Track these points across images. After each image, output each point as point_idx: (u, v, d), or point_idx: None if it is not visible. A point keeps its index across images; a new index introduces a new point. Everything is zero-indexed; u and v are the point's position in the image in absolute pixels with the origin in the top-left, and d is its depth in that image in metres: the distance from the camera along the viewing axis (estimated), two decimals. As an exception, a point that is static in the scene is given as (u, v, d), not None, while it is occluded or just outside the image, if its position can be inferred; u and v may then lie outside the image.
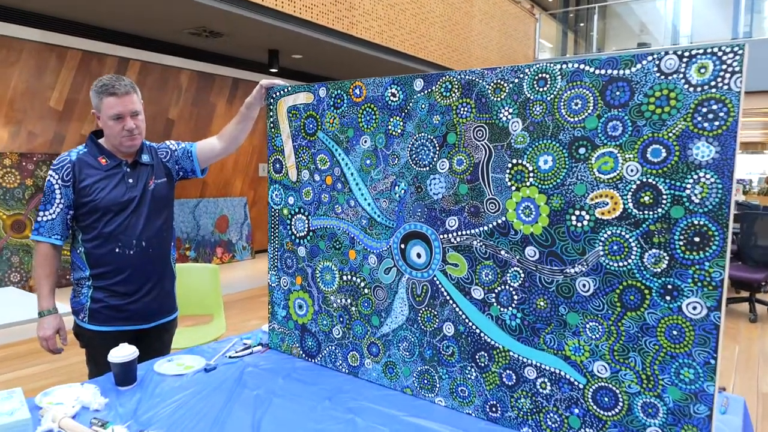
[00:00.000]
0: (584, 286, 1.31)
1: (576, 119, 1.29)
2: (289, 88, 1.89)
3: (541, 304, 1.38)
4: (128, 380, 1.66)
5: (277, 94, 1.92)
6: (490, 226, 1.45)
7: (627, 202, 1.23)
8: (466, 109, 1.46)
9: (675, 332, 1.19)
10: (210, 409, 1.53)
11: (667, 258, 1.19)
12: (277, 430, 1.42)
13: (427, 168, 1.55)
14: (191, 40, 6.71)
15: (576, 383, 1.34)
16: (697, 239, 1.15)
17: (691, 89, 1.14)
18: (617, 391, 1.28)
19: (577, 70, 1.28)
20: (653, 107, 1.18)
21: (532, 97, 1.35)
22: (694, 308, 1.17)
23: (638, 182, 1.21)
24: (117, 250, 1.92)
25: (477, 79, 1.43)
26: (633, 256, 1.23)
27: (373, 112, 1.66)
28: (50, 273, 1.91)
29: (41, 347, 1.93)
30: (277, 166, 1.95)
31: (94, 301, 1.94)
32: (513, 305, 1.43)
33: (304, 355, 1.94)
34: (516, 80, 1.37)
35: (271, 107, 1.94)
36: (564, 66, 1.29)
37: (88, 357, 1.99)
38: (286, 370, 1.83)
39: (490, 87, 1.41)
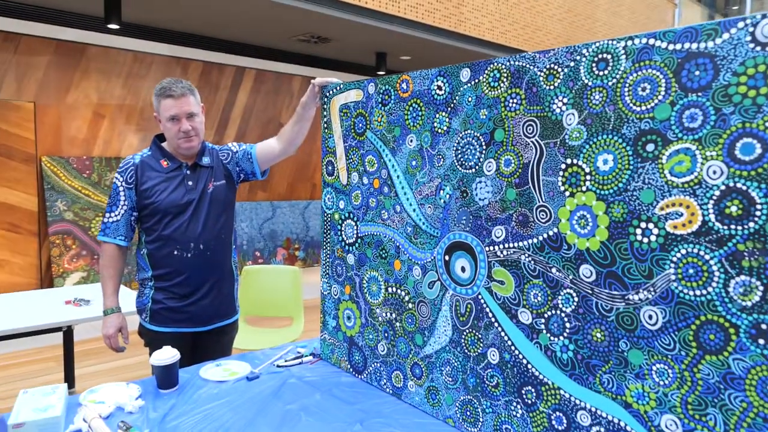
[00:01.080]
0: (650, 317, 1.04)
1: (643, 108, 1.03)
2: (341, 86, 1.78)
3: (598, 335, 1.12)
4: (169, 383, 1.65)
5: (331, 92, 1.82)
6: (540, 238, 1.22)
7: (707, 213, 0.95)
8: (515, 100, 1.25)
9: (771, 388, 0.89)
10: (236, 421, 1.46)
11: (761, 288, 0.90)
12: (293, 452, 1.31)
13: (473, 170, 1.35)
14: (301, 47, 6.93)
15: (639, 438, 1.07)
16: (804, 265, 0.85)
17: (798, 62, 0.85)
18: (691, 456, 1.00)
19: (645, 47, 1.02)
20: (745, 89, 0.90)
21: (590, 84, 1.11)
22: (799, 358, 0.86)
23: (723, 187, 0.93)
24: (176, 252, 1.93)
25: (528, 65, 1.22)
26: (714, 284, 0.95)
27: (419, 108, 1.49)
28: (115, 273, 1.98)
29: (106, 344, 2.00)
30: (330, 168, 1.85)
31: (154, 302, 1.97)
32: (565, 334, 1.18)
33: (351, 370, 1.82)
34: (572, 63, 1.13)
35: (325, 106, 1.85)
36: (629, 42, 1.04)
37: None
38: (329, 385, 1.72)
39: (542, 73, 1.19)
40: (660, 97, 1.00)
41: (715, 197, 0.94)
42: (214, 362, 1.88)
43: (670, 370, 1.02)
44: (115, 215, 1.95)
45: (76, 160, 5.61)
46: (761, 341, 0.90)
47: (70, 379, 2.81)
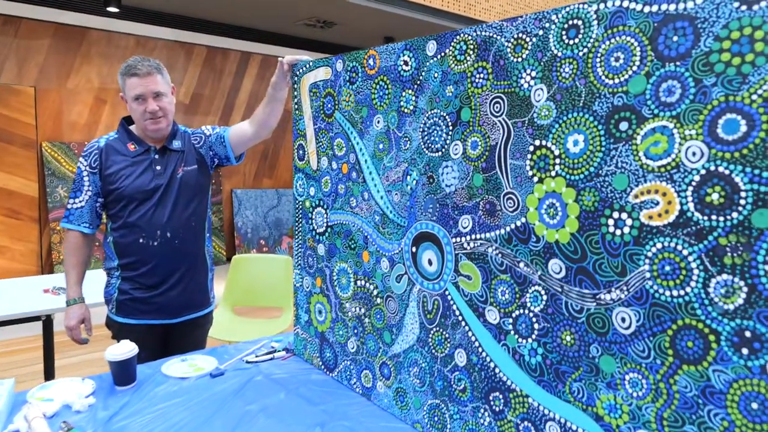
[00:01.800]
0: (623, 320, 0.91)
1: (616, 81, 0.89)
2: (311, 63, 1.66)
3: (568, 339, 1.00)
4: (126, 380, 1.57)
5: (301, 70, 1.70)
6: (508, 229, 1.09)
7: (686, 201, 0.82)
8: (482, 75, 1.12)
9: (755, 405, 0.77)
10: (189, 422, 1.37)
11: (745, 289, 0.77)
12: (242, 459, 1.22)
13: (439, 153, 1.23)
14: (307, 32, 6.79)
15: (610, 455, 0.95)
16: (795, 263, 0.72)
17: (792, 22, 0.71)
18: (666, 478, 0.88)
19: (619, 10, 0.88)
20: (728, 56, 0.76)
21: (560, 54, 0.97)
22: (788, 373, 0.74)
23: (703, 171, 0.80)
24: (141, 240, 1.84)
25: (495, 35, 1.09)
26: (693, 283, 0.82)
27: (386, 86, 1.37)
28: (78, 262, 1.90)
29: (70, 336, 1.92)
30: (300, 152, 1.74)
31: (120, 292, 1.89)
32: (533, 336, 1.07)
33: (323, 367, 1.72)
34: (540, 32, 1.00)
35: (296, 86, 1.73)
36: (602, 6, 0.91)
37: None
38: (296, 383, 1.62)
39: (510, 44, 1.06)
40: (634, 68, 0.87)
41: (694, 183, 0.81)
42: (180, 357, 1.79)
43: (644, 380, 0.90)
44: (79, 201, 1.87)
45: (78, 146, 5.56)
46: (744, 351, 0.77)
47: (49, 370, 2.76)
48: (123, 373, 1.55)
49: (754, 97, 0.74)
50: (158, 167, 1.87)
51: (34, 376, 3.35)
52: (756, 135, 0.74)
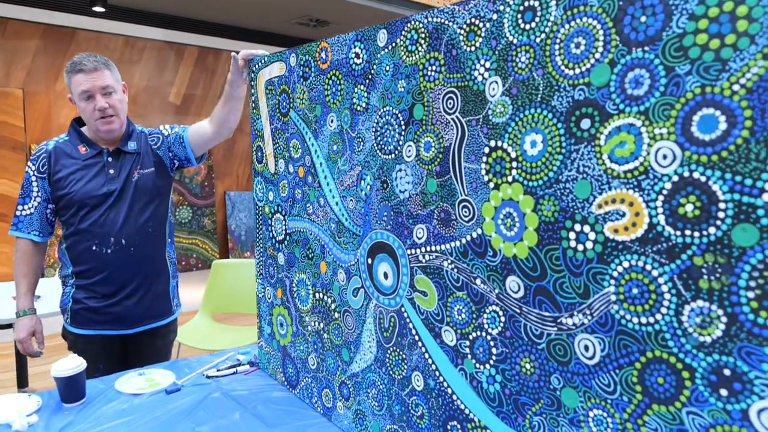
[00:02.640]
0: (587, 348, 0.79)
1: (577, 72, 0.77)
2: (266, 59, 1.54)
3: (527, 366, 0.88)
4: (74, 397, 1.46)
5: (257, 66, 1.58)
6: (464, 240, 0.97)
7: (655, 213, 0.69)
8: (434, 67, 0.99)
9: (736, 458, 0.64)
10: (127, 449, 1.25)
11: (724, 319, 0.64)
12: (175, 496, 1.10)
13: (393, 156, 1.11)
14: (300, 31, 6.67)
15: (574, 503, 0.83)
16: (782, 290, 0.59)
17: (778, -5, 0.58)
18: None
19: (579, -12, 0.75)
20: (705, 38, 0.63)
21: (515, 41, 0.84)
22: (775, 422, 0.61)
23: (676, 178, 0.67)
24: (94, 248, 1.73)
25: (447, 22, 0.96)
26: (665, 309, 0.69)
27: (338, 82, 1.24)
28: (29, 272, 1.78)
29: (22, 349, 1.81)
30: (259, 154, 1.61)
31: (75, 301, 1.78)
32: (491, 362, 0.94)
33: (286, 383, 1.60)
34: (495, 16, 0.87)
35: (252, 83, 1.61)
36: (560, -16, 0.78)
37: None
38: (256, 401, 1.50)
39: (463, 31, 0.93)
40: (597, 56, 0.74)
41: (665, 192, 0.68)
42: (137, 371, 1.68)
43: (610, 418, 0.77)
44: (28, 208, 1.75)
45: (63, 148, 5.47)
46: (723, 392, 0.64)
47: (22, 377, 2.66)
48: (70, 389, 1.44)
49: (736, 87, 0.61)
50: (111, 171, 1.75)
51: (7, 384, 3.25)
52: (738, 134, 0.61)
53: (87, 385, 1.51)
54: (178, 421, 1.38)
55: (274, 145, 1.52)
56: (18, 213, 1.76)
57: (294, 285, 1.50)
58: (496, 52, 0.87)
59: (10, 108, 5.27)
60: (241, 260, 3.12)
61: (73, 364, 1.46)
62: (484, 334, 0.95)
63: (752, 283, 0.61)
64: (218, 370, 1.70)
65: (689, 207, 0.66)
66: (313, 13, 5.79)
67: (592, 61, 0.75)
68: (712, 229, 0.64)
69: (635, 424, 0.74)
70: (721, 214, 0.63)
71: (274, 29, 6.63)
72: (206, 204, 6.62)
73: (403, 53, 1.05)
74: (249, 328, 3.05)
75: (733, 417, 0.64)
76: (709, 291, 0.65)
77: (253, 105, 1.61)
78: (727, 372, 0.64)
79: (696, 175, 0.65)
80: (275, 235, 1.56)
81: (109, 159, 1.76)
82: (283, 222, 1.52)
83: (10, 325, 2.49)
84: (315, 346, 1.44)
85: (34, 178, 1.74)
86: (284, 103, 1.45)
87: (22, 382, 2.69)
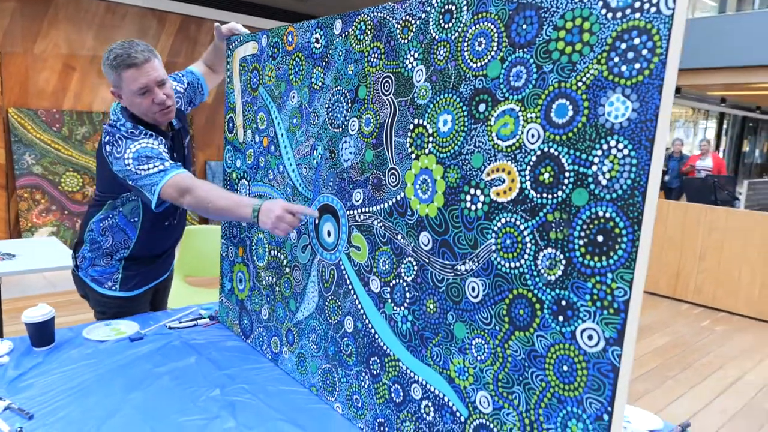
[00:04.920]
0: (473, 289, 0.98)
1: (479, 65, 0.95)
2: (241, 38, 1.70)
3: (431, 307, 1.07)
4: (43, 341, 1.60)
5: (233, 44, 1.74)
6: (390, 203, 1.15)
7: (525, 179, 0.88)
8: (376, 55, 1.17)
9: (566, 367, 0.84)
10: (93, 382, 1.42)
11: (563, 262, 0.83)
12: (134, 415, 1.27)
13: (340, 129, 1.28)
14: (286, 3, 6.74)
15: (458, 414, 1.02)
16: (600, 238, 0.79)
17: (610, 15, 0.77)
18: (498, 436, 0.95)
19: (483, -2, 0.94)
20: (563, 44, 0.82)
21: (437, 37, 1.03)
22: (590, 338, 0.81)
23: (539, 152, 0.86)
24: (167, 223, 1.83)
25: (388, 17, 1.14)
26: (527, 256, 0.89)
27: (300, 63, 1.42)
28: (221, 189, 1.58)
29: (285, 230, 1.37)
30: (230, 125, 1.78)
31: (126, 269, 1.83)
32: (405, 304, 1.13)
33: (241, 334, 1.77)
34: (423, 15, 1.05)
35: (228, 59, 1.77)
36: (471, -7, 0.96)
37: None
38: (210, 349, 1.67)
39: (399, 26, 1.11)
40: (493, 53, 0.93)
41: (531, 163, 0.87)
42: (104, 322, 1.83)
43: (486, 345, 0.96)
44: (164, 156, 1.59)
45: (45, 113, 5.52)
46: (560, 318, 0.84)
47: (-3, 331, 2.78)
48: (39, 334, 1.59)
49: (580, 84, 0.80)
50: (175, 154, 1.78)
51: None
52: (579, 119, 0.81)
53: (57, 334, 1.65)
54: (137, 364, 1.54)
55: (243, 117, 1.69)
56: (163, 165, 1.55)
57: (253, 244, 1.67)
58: (423, 45, 1.06)
59: (-12, 70, 5.30)
60: (211, 226, 3.27)
61: (44, 311, 1.60)
62: (401, 281, 1.13)
63: (582, 234, 0.80)
64: (180, 323, 1.86)
65: (546, 175, 0.85)
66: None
67: (489, 57, 0.93)
68: (560, 193, 0.83)
69: (503, 348, 0.93)
70: (566, 181, 0.82)
71: (261, 0, 6.69)
72: (185, 179, 6.71)
73: (353, 41, 1.23)
74: (216, 291, 3.22)
75: (565, 337, 0.84)
76: (555, 240, 0.84)
77: (228, 80, 1.77)
78: (563, 303, 0.84)
79: (552, 150, 0.84)
80: (240, 199, 1.73)
81: (171, 143, 1.74)
82: (248, 187, 1.69)
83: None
84: (268, 299, 1.62)
85: (152, 145, 1.58)
86: (255, 80, 1.62)
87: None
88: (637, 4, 0.73)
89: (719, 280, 4.92)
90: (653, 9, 0.72)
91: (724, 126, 17.07)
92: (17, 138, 5.38)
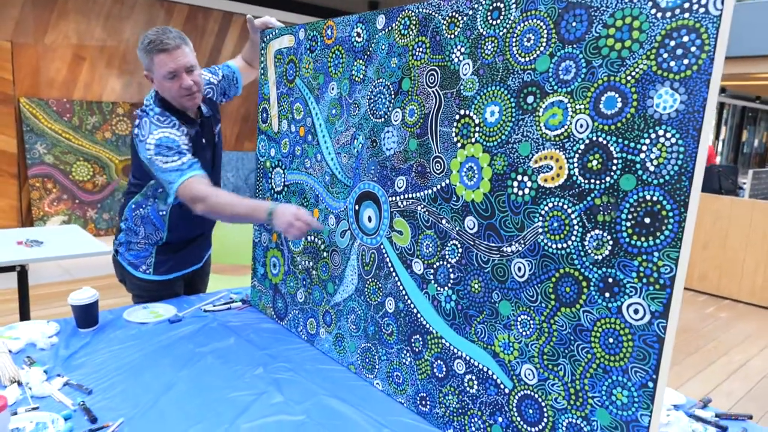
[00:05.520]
0: (519, 269, 1.05)
1: (527, 59, 1.02)
2: (276, 31, 1.76)
3: (476, 286, 1.14)
4: (88, 323, 1.67)
5: (267, 37, 1.80)
6: (434, 189, 1.22)
7: (573, 166, 0.95)
8: (421, 49, 1.23)
9: (611, 340, 0.91)
10: (142, 360, 1.49)
11: (611, 242, 0.90)
12: (187, 390, 1.34)
13: (383, 119, 1.35)
14: None
15: (502, 386, 1.10)
16: (647, 220, 0.86)
17: (660, 15, 0.83)
18: (543, 404, 1.02)
19: (532, -4, 1.00)
20: (612, 41, 0.89)
21: (485, 33, 1.09)
22: (636, 312, 0.88)
23: (587, 141, 0.93)
24: (193, 213, 1.81)
25: (433, 13, 1.20)
26: (574, 237, 0.96)
27: (340, 56, 1.48)
28: (232, 194, 1.67)
29: (295, 235, 1.51)
30: (264, 115, 1.84)
31: (159, 253, 1.91)
32: (449, 285, 1.20)
33: (275, 316, 1.84)
34: (470, 12, 1.12)
35: (262, 52, 1.83)
36: (520, -9, 1.02)
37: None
38: (248, 330, 1.75)
39: (445, 21, 1.17)
40: (542, 48, 0.99)
41: (580, 151, 0.94)
42: (142, 305, 1.90)
43: (531, 321, 1.03)
44: (186, 152, 1.67)
45: (56, 103, 5.56)
46: (607, 294, 0.91)
47: (25, 319, 2.85)
48: (85, 316, 1.66)
49: (629, 78, 0.87)
50: (204, 140, 1.84)
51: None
52: (628, 111, 0.87)
53: (98, 316, 1.72)
54: (181, 344, 1.61)
55: (279, 108, 1.75)
56: (182, 160, 1.63)
57: (288, 230, 1.74)
58: (470, 40, 1.12)
59: (-1, 60, 5.33)
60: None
61: (89, 294, 1.67)
62: (445, 263, 1.21)
63: (629, 216, 0.87)
64: (214, 306, 1.94)
65: (594, 162, 0.92)
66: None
67: (538, 52, 1.00)
68: (607, 178, 0.90)
69: (549, 323, 1.01)
70: (614, 168, 0.89)
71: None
72: (193, 169, 6.76)
73: (397, 36, 1.29)
74: (240, 278, 3.29)
75: (611, 312, 0.91)
76: (603, 223, 0.91)
77: (262, 71, 1.83)
78: (610, 280, 0.91)
79: (600, 139, 0.91)
80: (274, 187, 1.80)
81: (199, 129, 1.80)
82: (282, 175, 1.75)
83: (11, 269, 2.65)
84: (304, 282, 1.69)
85: (174, 136, 1.66)
86: (291, 71, 1.68)
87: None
88: (687, 5, 0.80)
89: (723, 268, 5.01)
90: (702, 9, 0.78)
91: (724, 115, 17.16)
92: (29, 128, 5.42)
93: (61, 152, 5.63)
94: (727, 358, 3.66)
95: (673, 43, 0.82)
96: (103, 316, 1.78)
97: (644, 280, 0.86)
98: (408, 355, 1.31)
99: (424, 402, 1.28)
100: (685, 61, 0.80)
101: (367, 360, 1.44)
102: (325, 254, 1.59)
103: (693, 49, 0.79)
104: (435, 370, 1.25)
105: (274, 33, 1.76)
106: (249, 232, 3.15)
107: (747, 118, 18.60)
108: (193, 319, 1.81)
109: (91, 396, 1.30)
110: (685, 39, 0.80)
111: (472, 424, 1.16)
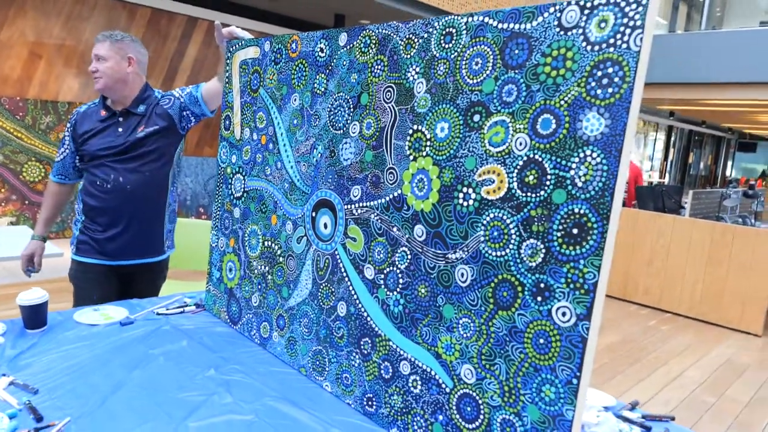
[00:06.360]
0: (462, 275, 1.13)
1: (475, 81, 1.11)
2: (242, 42, 1.81)
3: (422, 291, 1.21)
4: (36, 324, 1.65)
5: (233, 48, 1.85)
6: (387, 198, 1.29)
7: (512, 180, 1.04)
8: (379, 66, 1.31)
9: (542, 340, 0.99)
10: (91, 361, 1.49)
11: (543, 251, 0.99)
12: (137, 390, 1.36)
13: (341, 131, 1.41)
14: (257, 1, 6.79)
15: (444, 386, 1.17)
16: (575, 231, 0.95)
17: (589, 48, 0.93)
18: (480, 402, 1.09)
19: (481, 24, 1.09)
20: (549, 69, 0.99)
21: (438, 55, 1.18)
22: (564, 314, 0.96)
23: (525, 158, 1.02)
24: (98, 182, 2.06)
25: (392, 34, 1.28)
26: (511, 246, 1.04)
27: (303, 69, 1.54)
28: (50, 206, 2.19)
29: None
30: (227, 122, 1.88)
31: (81, 232, 2.11)
32: (398, 289, 1.27)
33: (228, 320, 1.87)
34: (425, 35, 1.20)
35: (228, 61, 1.87)
36: (470, 19, 1.12)
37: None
38: (201, 334, 1.76)
39: (403, 42, 1.25)
40: (488, 72, 1.08)
41: (518, 167, 1.03)
42: (92, 307, 1.89)
43: (472, 323, 1.11)
44: (60, 155, 2.16)
45: (9, 101, 5.40)
46: (539, 299, 1.00)
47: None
48: (33, 317, 1.64)
49: (562, 102, 0.96)
50: (120, 129, 2.07)
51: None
52: (560, 132, 0.97)
53: (47, 317, 1.71)
54: (132, 346, 1.62)
55: (242, 116, 1.79)
56: (56, 160, 2.18)
57: (246, 235, 1.78)
58: (424, 61, 1.20)
59: (-48, 55, 5.16)
60: (190, 220, 3.33)
61: (38, 294, 1.66)
62: (395, 268, 1.27)
63: (560, 227, 0.96)
64: (167, 309, 1.94)
65: (531, 177, 1.01)
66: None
67: (485, 75, 1.09)
68: (542, 192, 0.99)
69: (487, 326, 1.08)
70: (547, 183, 0.98)
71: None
72: (150, 175, 6.64)
73: (357, 53, 1.37)
74: (197, 283, 3.27)
75: (543, 314, 0.99)
76: (537, 232, 1.00)
77: (227, 80, 1.87)
78: (542, 285, 0.99)
79: (536, 156, 1.00)
80: (234, 192, 1.84)
81: (120, 119, 2.08)
82: (242, 181, 1.79)
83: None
84: (259, 287, 1.72)
85: (67, 134, 2.14)
86: (255, 81, 1.73)
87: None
88: (612, 40, 0.90)
89: (665, 283, 5.27)
90: (624, 45, 0.89)
91: (672, 138, 18.02)
92: (-22, 125, 5.25)
93: (12, 151, 5.46)
94: (666, 368, 3.85)
95: (600, 73, 0.92)
96: (52, 317, 1.76)
97: (571, 285, 0.95)
98: (357, 357, 1.37)
99: (370, 402, 1.33)
100: (610, 90, 0.90)
101: (317, 362, 1.49)
102: (281, 259, 1.63)
103: (616, 79, 0.90)
104: (382, 371, 1.30)
105: (240, 44, 1.81)
106: (206, 237, 3.17)
107: (693, 141, 19.58)
108: (145, 322, 1.81)
109: (38, 395, 1.30)
110: (610, 70, 0.90)
111: (414, 423, 1.22)
